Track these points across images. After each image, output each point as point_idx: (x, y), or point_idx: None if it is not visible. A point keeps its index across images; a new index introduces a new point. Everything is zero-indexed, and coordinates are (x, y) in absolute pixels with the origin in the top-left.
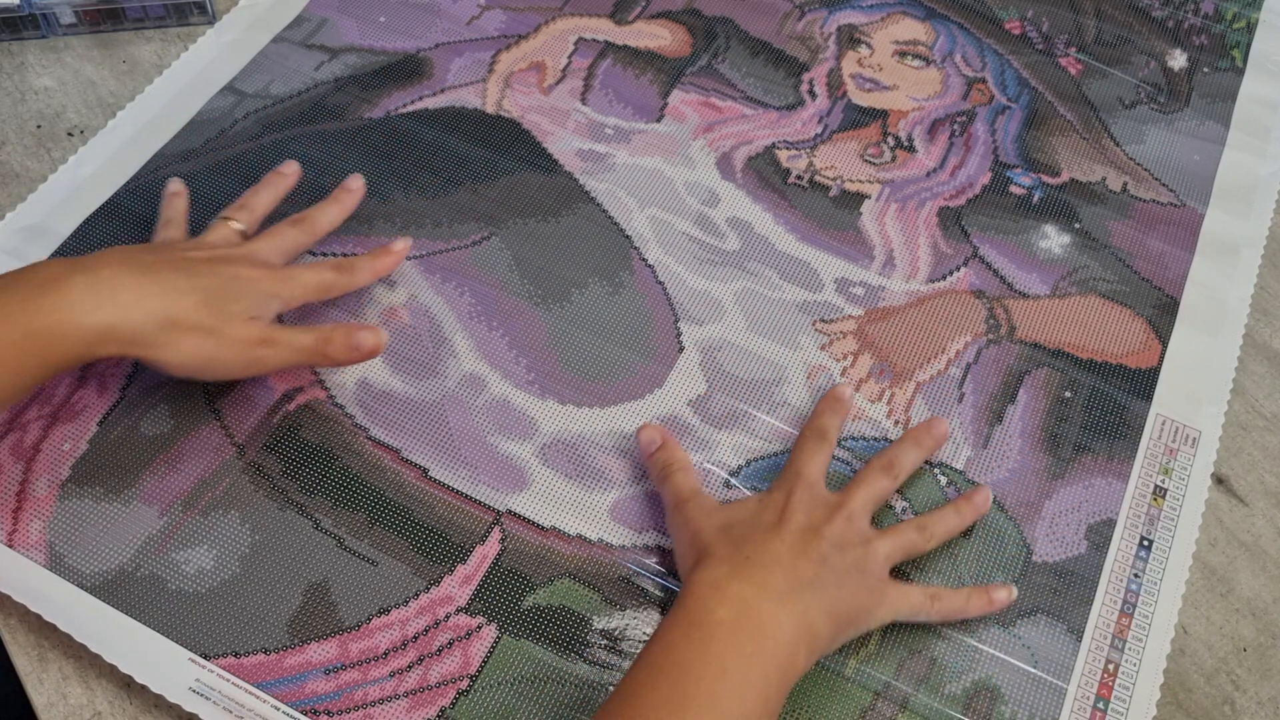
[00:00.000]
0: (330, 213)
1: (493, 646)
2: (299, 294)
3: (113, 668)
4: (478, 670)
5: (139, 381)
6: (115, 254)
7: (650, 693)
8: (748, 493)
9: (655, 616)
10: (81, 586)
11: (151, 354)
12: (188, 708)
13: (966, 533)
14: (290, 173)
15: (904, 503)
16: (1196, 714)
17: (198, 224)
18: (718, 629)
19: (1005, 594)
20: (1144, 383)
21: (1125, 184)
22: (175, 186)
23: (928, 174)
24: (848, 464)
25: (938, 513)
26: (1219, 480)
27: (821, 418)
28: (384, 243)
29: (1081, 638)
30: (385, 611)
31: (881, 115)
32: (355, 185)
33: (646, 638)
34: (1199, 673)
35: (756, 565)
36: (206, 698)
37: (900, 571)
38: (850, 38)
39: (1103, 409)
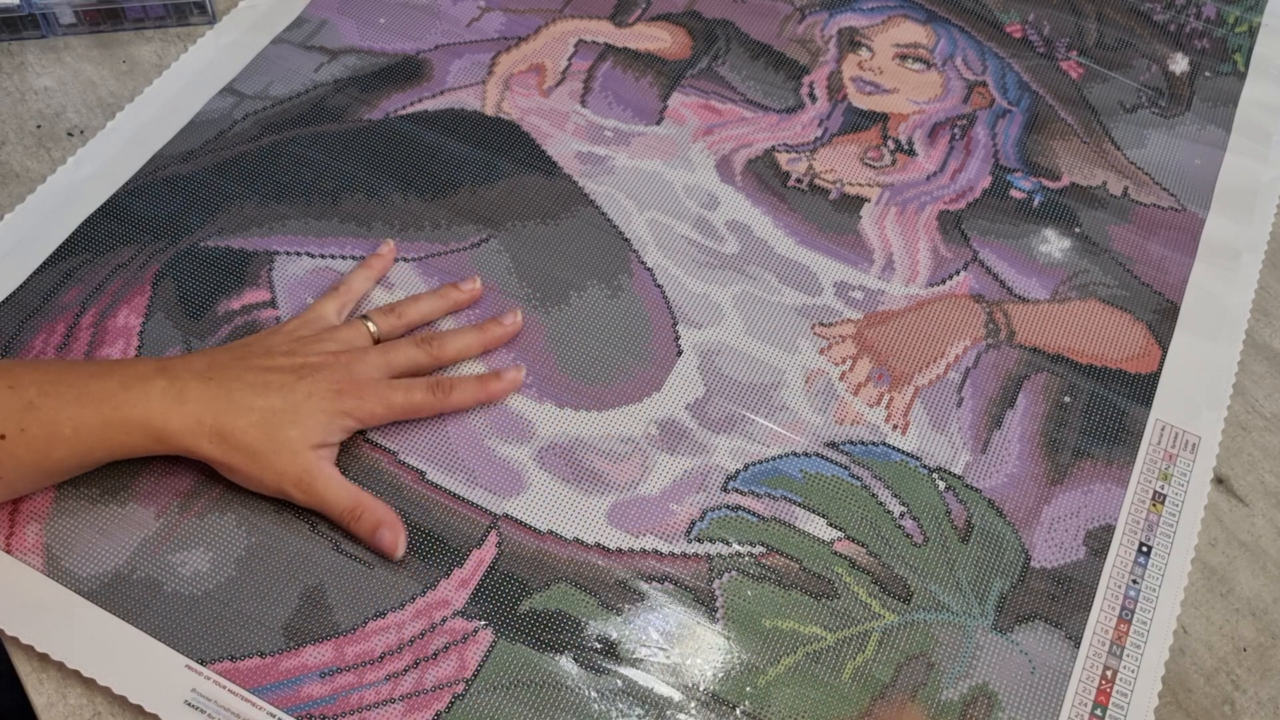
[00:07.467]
0: (465, 340)
1: (489, 651)
2: (380, 414)
3: None
4: (474, 674)
5: None
6: (200, 360)
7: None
8: (744, 496)
9: (653, 621)
10: (78, 591)
11: (208, 461)
12: None
13: (964, 539)
14: (386, 253)
15: (902, 508)
16: (1196, 714)
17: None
18: None
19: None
20: (1144, 388)
21: (1126, 188)
22: (385, 249)
23: (928, 178)
24: (846, 468)
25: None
26: (1219, 480)
27: None
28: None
29: (1079, 644)
30: (381, 615)
31: (882, 118)
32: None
33: (643, 642)
34: (1199, 673)
35: None
36: (202, 710)
37: (901, 580)
38: (851, 40)
39: (1102, 414)
